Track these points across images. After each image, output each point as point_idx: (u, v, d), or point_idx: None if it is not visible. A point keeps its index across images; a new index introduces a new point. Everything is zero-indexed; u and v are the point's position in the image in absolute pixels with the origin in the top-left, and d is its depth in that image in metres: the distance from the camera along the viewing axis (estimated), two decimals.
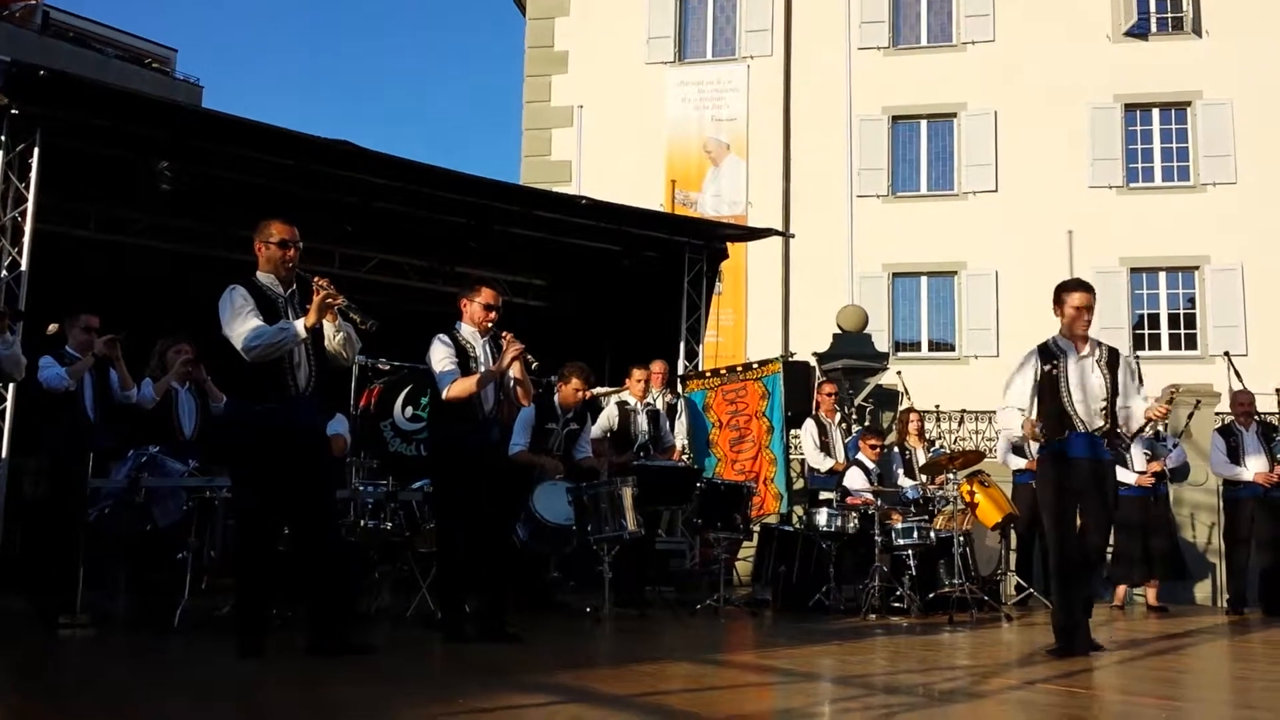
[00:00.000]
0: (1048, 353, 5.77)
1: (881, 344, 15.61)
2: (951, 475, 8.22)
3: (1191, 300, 18.64)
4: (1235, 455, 9.11)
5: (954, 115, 19.63)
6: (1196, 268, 18.55)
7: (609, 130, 20.15)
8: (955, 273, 19.23)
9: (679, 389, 10.10)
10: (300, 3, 61.77)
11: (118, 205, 9.01)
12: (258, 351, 4.77)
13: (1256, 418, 9.22)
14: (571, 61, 20.87)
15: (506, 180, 10.18)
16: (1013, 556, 9.20)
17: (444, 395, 5.58)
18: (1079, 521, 5.75)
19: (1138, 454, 9.23)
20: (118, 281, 8.85)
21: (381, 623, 6.44)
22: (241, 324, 4.79)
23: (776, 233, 12.02)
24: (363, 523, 6.26)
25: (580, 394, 7.41)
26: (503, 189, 9.56)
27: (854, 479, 8.72)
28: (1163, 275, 18.81)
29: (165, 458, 6.37)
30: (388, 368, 9.23)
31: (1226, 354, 9.82)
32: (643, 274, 10.81)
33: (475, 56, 61.28)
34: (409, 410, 9.27)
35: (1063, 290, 5.80)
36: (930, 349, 19.42)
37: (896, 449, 9.81)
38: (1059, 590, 5.76)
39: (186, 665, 4.97)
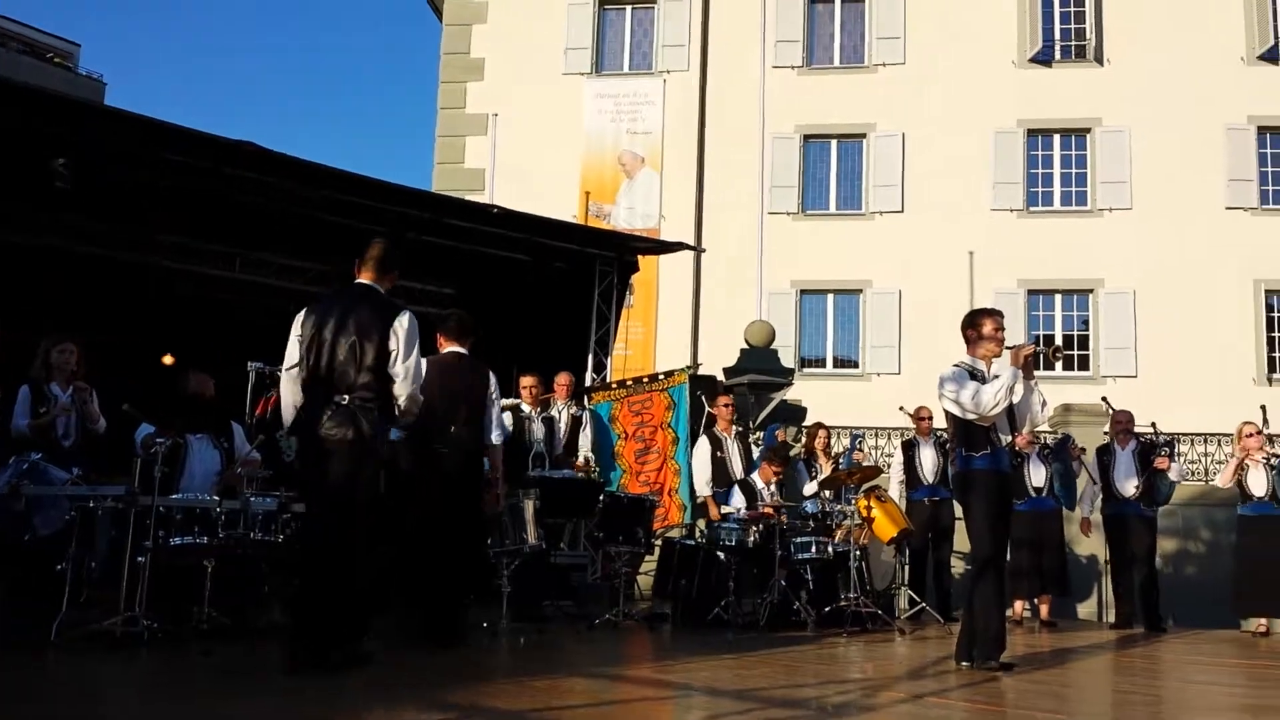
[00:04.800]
0: (975, 374, 5.86)
1: (788, 360, 15.82)
2: (850, 490, 8.36)
3: (1086, 322, 19.25)
4: (1106, 472, 9.45)
5: (863, 136, 20.00)
6: (1091, 291, 19.17)
7: (524, 139, 20.11)
8: (861, 291, 19.58)
9: (585, 401, 10.09)
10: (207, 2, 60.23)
11: (8, 201, 8.69)
12: None
13: (1138, 438, 9.57)
14: (487, 69, 20.78)
15: (418, 187, 10.08)
16: (906, 571, 9.38)
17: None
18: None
19: (1038, 470, 9.52)
20: (5, 279, 8.55)
21: (272, 638, 6.29)
22: None
23: (688, 247, 12.09)
24: (252, 535, 6.10)
25: None
26: (413, 195, 9.46)
27: (736, 499, 8.77)
28: (1059, 297, 19.40)
29: (48, 465, 6.16)
30: None
31: (1104, 398, 10.23)
32: (553, 284, 10.78)
33: (389, 61, 60.56)
34: None
35: (982, 316, 5.97)
36: (835, 365, 19.72)
37: (803, 463, 9.94)
38: (996, 601, 5.77)
39: (66, 678, 4.80)
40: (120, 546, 5.60)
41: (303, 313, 5.15)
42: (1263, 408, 9.80)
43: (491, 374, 6.39)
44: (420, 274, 10.63)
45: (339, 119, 57.51)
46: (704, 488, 9.14)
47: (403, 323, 5.04)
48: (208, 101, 56.91)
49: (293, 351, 5.08)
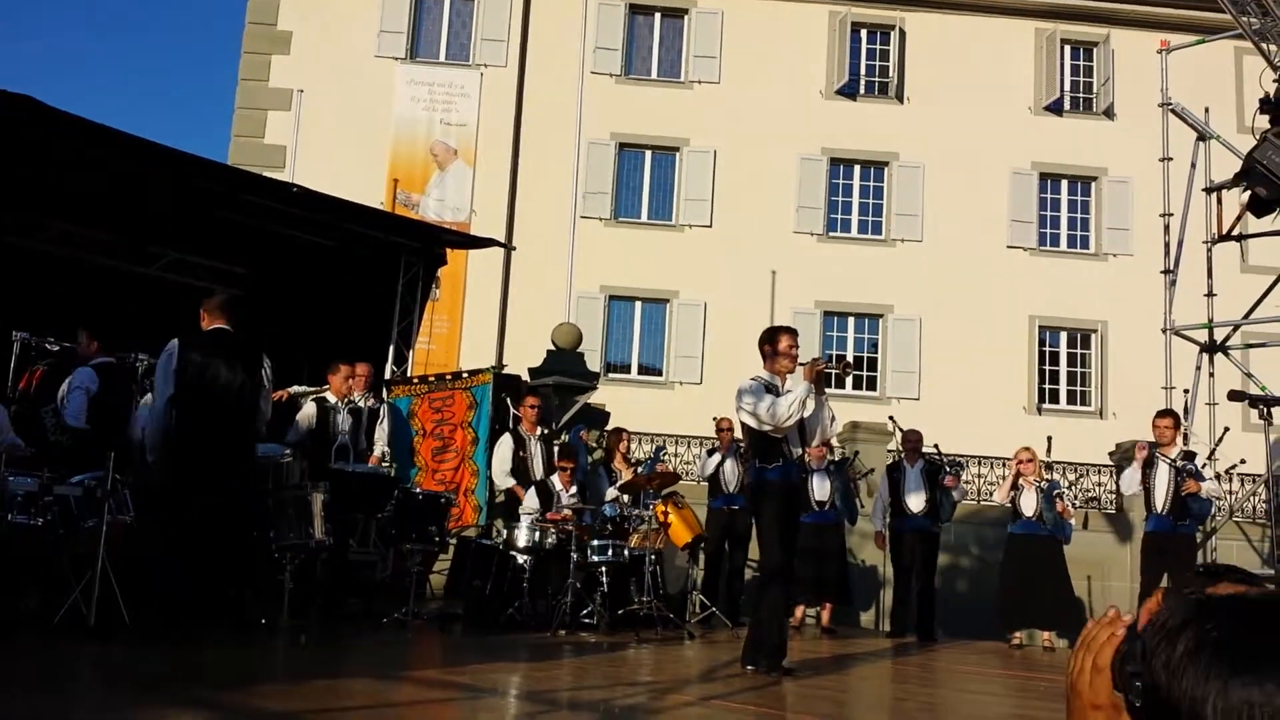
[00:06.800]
0: (771, 387, 5.98)
1: (594, 364, 15.82)
2: (649, 495, 8.40)
3: (875, 345, 20.14)
4: (896, 488, 9.90)
5: (677, 149, 20.31)
6: (881, 316, 20.08)
7: (330, 120, 19.42)
8: (668, 300, 19.85)
9: (384, 394, 9.77)
10: None
11: None
12: None
13: (923, 456, 10.05)
14: (295, 43, 19.96)
15: (212, 158, 9.54)
16: (700, 576, 9.52)
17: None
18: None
19: (822, 484, 9.83)
20: None
21: (25, 628, 5.77)
22: None
23: (498, 244, 11.94)
24: (10, 517, 5.57)
25: None
26: (206, 166, 8.93)
27: (530, 500, 8.69)
28: (851, 320, 20.23)
29: None
30: (56, 349, 8.23)
31: (891, 419, 10.75)
32: (354, 272, 10.40)
33: (187, 25, 57.08)
34: None
35: (779, 333, 6.11)
36: (640, 372, 19.92)
37: (603, 467, 9.92)
38: (782, 608, 5.91)
39: None
40: None
41: (175, 348, 6.16)
42: (1049, 438, 10.47)
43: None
44: (211, 250, 10.06)
45: (127, 80, 53.80)
46: (505, 479, 8.99)
47: (268, 364, 6.52)
48: None
49: (170, 382, 6.12)
